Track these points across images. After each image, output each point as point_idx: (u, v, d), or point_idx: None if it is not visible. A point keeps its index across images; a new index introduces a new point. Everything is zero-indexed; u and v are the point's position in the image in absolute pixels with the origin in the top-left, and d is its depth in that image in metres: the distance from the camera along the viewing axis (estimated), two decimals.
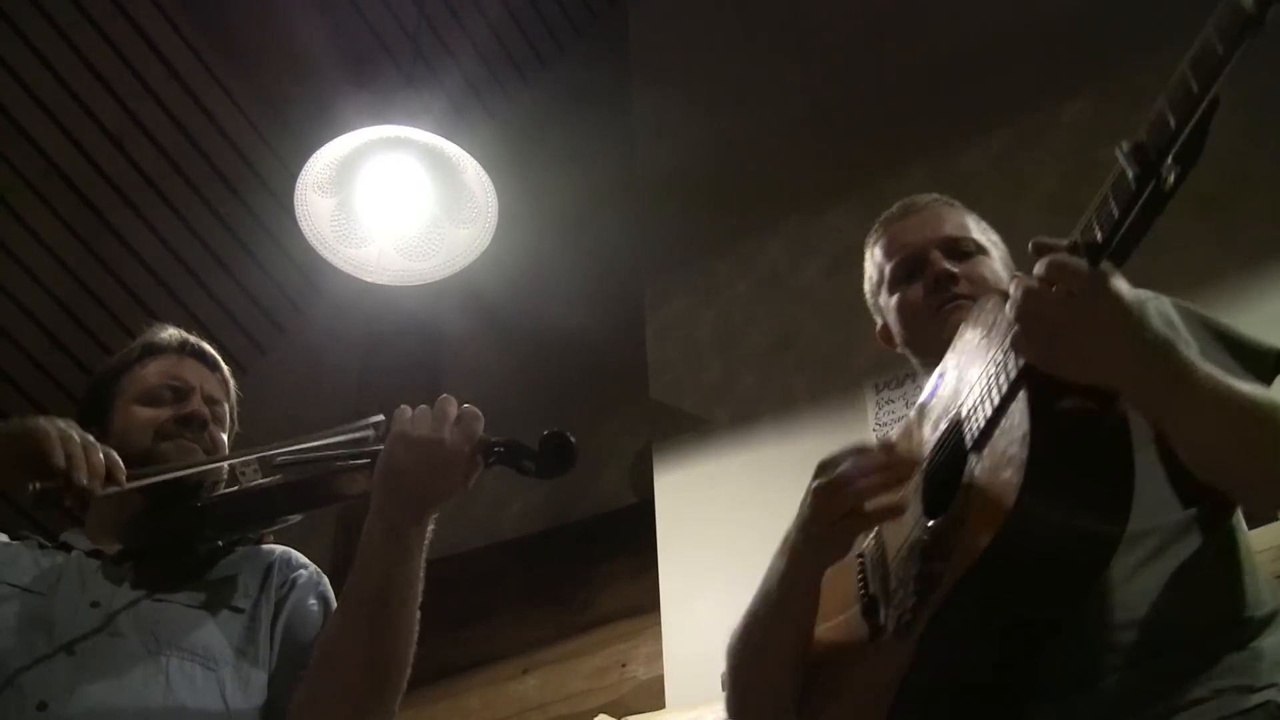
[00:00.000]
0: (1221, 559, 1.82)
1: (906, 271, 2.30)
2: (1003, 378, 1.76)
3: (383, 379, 5.39)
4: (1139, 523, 1.71)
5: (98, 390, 2.43)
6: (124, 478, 2.05)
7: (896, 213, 2.43)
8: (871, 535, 2.09)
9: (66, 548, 2.25)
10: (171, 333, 2.50)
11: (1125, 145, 1.56)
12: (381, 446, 2.08)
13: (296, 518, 2.28)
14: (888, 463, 1.95)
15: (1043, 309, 1.65)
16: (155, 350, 2.45)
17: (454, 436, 2.03)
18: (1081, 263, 1.63)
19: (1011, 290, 1.69)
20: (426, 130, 3.95)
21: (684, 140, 4.74)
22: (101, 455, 2.02)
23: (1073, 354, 1.66)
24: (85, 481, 1.97)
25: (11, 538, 2.27)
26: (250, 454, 2.26)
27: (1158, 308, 1.89)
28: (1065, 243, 1.68)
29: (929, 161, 4.02)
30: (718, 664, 3.48)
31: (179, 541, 2.24)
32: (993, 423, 1.77)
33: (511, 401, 4.62)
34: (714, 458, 4.01)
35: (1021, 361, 1.72)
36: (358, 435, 2.23)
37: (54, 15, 4.59)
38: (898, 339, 2.34)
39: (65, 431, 2.00)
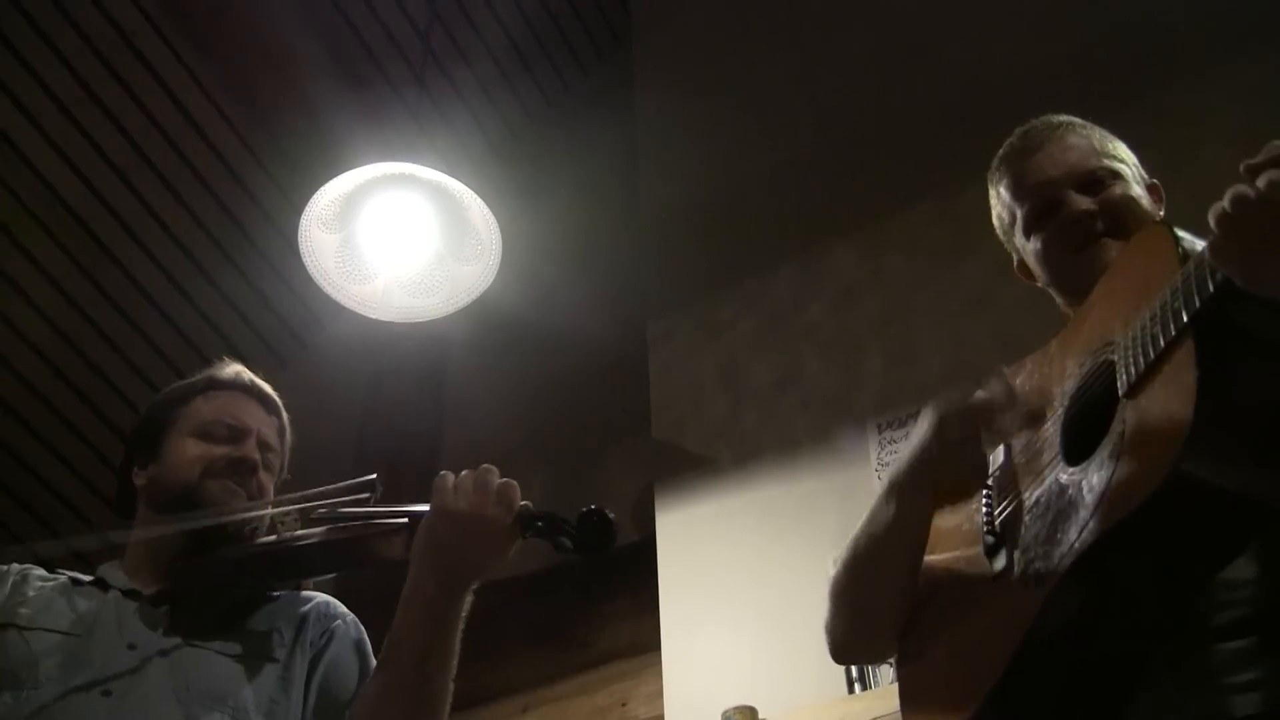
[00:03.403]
0: None
1: (1041, 213, 2.21)
2: (1170, 323, 1.63)
3: (386, 414, 5.39)
4: None
5: (154, 417, 2.41)
6: None
7: (1018, 145, 2.32)
8: (997, 467, 2.01)
9: (103, 584, 2.24)
10: (237, 370, 2.47)
11: None
12: (422, 508, 2.07)
13: (331, 575, 2.28)
14: (1022, 395, 1.90)
15: (1258, 215, 1.51)
16: (218, 385, 2.42)
17: (496, 510, 2.02)
18: None
19: (1225, 200, 1.54)
20: (431, 167, 3.95)
21: (689, 177, 4.75)
22: None
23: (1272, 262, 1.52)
24: None
25: (49, 571, 2.26)
26: (287, 505, 2.25)
27: None
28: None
29: (934, 199, 4.03)
30: (718, 703, 3.49)
31: (216, 589, 2.23)
32: (1153, 369, 1.66)
33: (514, 439, 4.62)
34: (716, 497, 4.00)
35: (1197, 302, 1.59)
36: (355, 496, 2.22)
37: (60, 47, 4.60)
38: (1040, 280, 2.26)
39: None
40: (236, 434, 2.35)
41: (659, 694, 3.79)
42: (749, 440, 4.04)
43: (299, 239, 3.84)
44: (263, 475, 2.35)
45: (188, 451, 2.31)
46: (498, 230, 3.93)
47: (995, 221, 2.37)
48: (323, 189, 3.81)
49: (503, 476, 2.07)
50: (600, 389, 4.78)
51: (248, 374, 2.48)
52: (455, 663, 2.06)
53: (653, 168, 4.89)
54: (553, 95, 5.82)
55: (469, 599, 2.06)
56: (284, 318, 5.54)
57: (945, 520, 2.02)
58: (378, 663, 2.13)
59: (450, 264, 4.03)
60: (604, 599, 4.25)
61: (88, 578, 2.26)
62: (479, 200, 3.91)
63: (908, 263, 4.03)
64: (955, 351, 3.76)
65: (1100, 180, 2.18)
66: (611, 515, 2.02)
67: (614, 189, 5.11)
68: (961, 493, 1.98)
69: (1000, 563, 1.88)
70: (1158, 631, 1.67)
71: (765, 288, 4.30)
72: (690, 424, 4.23)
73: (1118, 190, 2.17)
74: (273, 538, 2.25)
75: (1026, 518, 1.86)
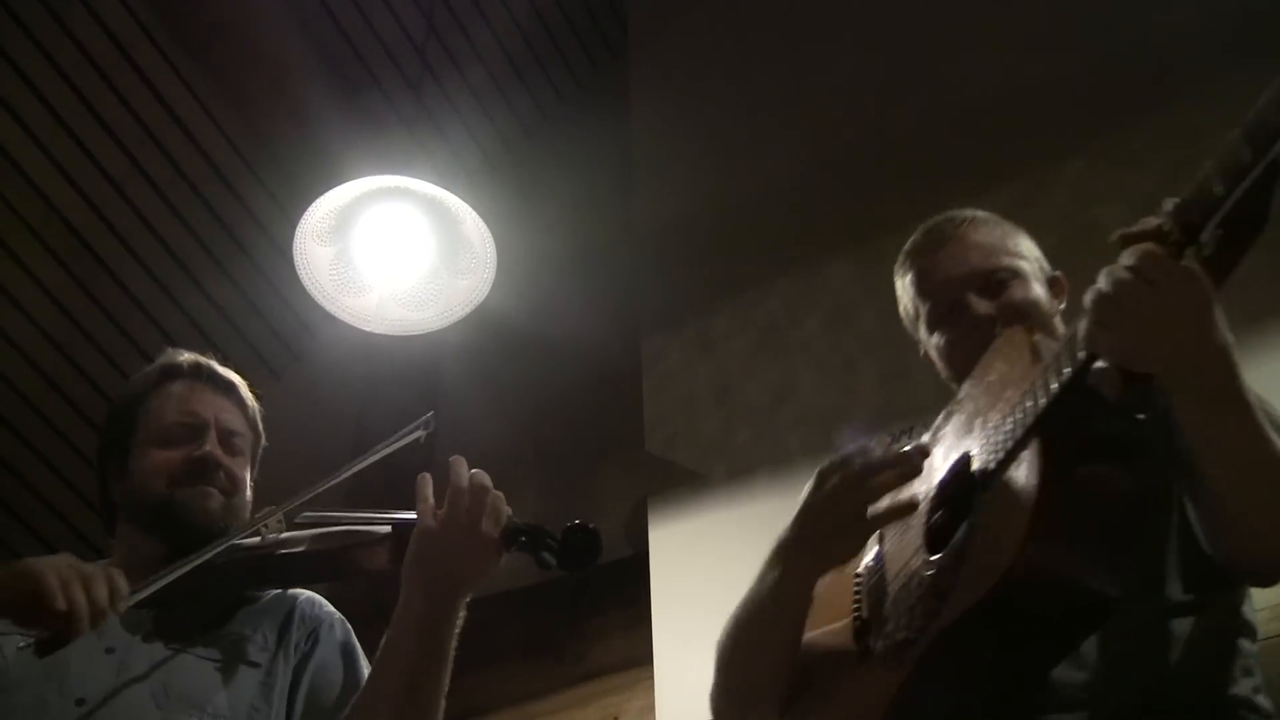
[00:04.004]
0: (1218, 639, 1.82)
1: (943, 312, 2.29)
2: (1021, 423, 1.74)
3: (379, 428, 5.36)
4: (1146, 590, 1.74)
5: (116, 426, 2.39)
6: (123, 602, 1.94)
7: (921, 243, 2.40)
8: (870, 556, 2.09)
9: None
10: (185, 357, 2.45)
11: (1169, 203, 1.61)
12: (405, 516, 2.07)
13: (313, 585, 2.28)
14: (899, 460, 1.93)
15: (1132, 292, 1.62)
16: (170, 376, 2.40)
17: (483, 525, 2.03)
18: (1168, 256, 1.61)
19: (1101, 280, 1.66)
20: (426, 178, 3.95)
21: (683, 193, 4.74)
22: (105, 588, 1.90)
23: (1148, 341, 1.64)
24: (87, 628, 1.87)
25: None
26: (272, 512, 2.24)
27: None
28: (1153, 226, 1.66)
29: (929, 215, 4.01)
30: (710, 718, 3.48)
31: (198, 592, 2.21)
32: (1004, 466, 1.76)
33: (507, 453, 4.60)
34: (710, 512, 3.99)
35: (1056, 387, 1.70)
36: (411, 438, 2.22)
37: (55, 57, 4.60)
38: (943, 374, 2.33)
39: (65, 573, 1.88)
40: (194, 431, 2.33)
41: (651, 708, 3.79)
42: (742, 456, 4.04)
43: (294, 252, 3.84)
44: (230, 464, 2.33)
45: (150, 462, 2.30)
46: (492, 243, 3.94)
47: (901, 312, 2.45)
48: (317, 202, 3.81)
49: (495, 488, 2.07)
50: (594, 402, 4.77)
51: (197, 358, 2.45)
52: (447, 681, 2.06)
53: (648, 181, 4.89)
54: (548, 108, 5.82)
55: (462, 615, 2.06)
56: (277, 328, 5.53)
57: (821, 595, 2.07)
58: (369, 677, 2.12)
59: (445, 277, 4.03)
60: (596, 613, 4.25)
61: None
62: (473, 213, 3.91)
63: None
64: None
65: (1001, 282, 2.25)
66: (596, 530, 2.03)
67: (609, 202, 5.11)
68: (843, 549, 2.02)
69: (868, 644, 1.97)
70: (1004, 715, 1.75)
71: (760, 303, 4.30)
72: (683, 439, 4.22)
73: (1018, 293, 2.25)
74: (256, 539, 2.23)
75: (888, 604, 1.95)
